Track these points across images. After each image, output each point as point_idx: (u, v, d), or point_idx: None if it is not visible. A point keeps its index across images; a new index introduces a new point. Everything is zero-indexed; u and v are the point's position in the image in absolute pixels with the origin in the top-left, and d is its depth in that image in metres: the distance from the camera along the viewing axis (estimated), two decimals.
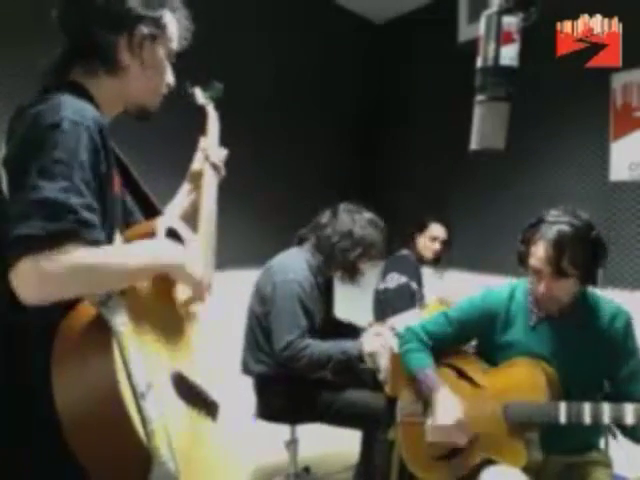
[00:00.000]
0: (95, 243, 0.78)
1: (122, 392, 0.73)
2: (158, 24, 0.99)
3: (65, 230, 0.74)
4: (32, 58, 0.99)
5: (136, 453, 0.72)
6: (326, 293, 2.27)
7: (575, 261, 1.38)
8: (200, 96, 1.39)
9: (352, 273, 2.17)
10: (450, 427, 1.51)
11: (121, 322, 0.77)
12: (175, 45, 1.06)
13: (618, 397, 1.44)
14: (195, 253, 0.99)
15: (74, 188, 0.77)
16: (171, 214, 1.26)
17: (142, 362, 0.76)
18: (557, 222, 1.42)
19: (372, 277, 3.11)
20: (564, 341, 1.51)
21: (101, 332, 0.76)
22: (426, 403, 1.65)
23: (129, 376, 0.74)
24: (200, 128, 1.37)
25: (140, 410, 0.73)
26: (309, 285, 2.07)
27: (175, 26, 1.04)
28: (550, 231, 1.41)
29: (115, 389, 0.73)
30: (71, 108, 0.83)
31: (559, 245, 1.38)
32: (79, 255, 0.75)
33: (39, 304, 0.75)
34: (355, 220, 2.13)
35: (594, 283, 1.44)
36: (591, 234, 1.41)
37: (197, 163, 1.34)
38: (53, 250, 0.73)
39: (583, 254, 1.39)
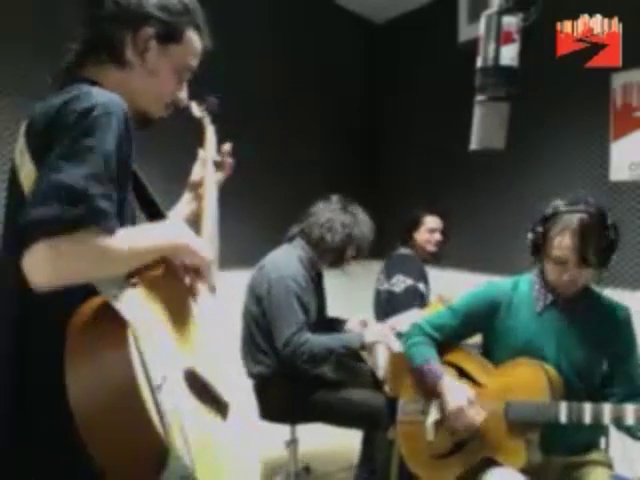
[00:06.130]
0: (110, 232, 0.79)
1: (139, 384, 0.71)
2: (173, 33, 1.00)
3: (81, 216, 0.75)
4: (32, 58, 1.00)
5: (152, 447, 0.71)
6: (318, 289, 2.28)
7: (598, 249, 1.42)
8: (196, 109, 1.39)
9: (340, 260, 2.18)
10: (465, 407, 1.52)
11: (135, 315, 0.76)
12: (195, 62, 1.07)
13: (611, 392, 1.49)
14: (203, 240, 1.01)
15: (96, 176, 0.78)
16: (176, 216, 1.27)
17: (157, 356, 0.75)
18: (575, 211, 1.45)
19: (366, 276, 3.12)
20: (568, 327, 1.53)
21: (116, 324, 0.75)
22: (427, 402, 1.65)
23: (145, 368, 0.73)
24: (199, 141, 1.38)
25: (157, 403, 0.72)
26: (304, 279, 2.08)
27: (198, 44, 1.06)
28: (572, 221, 1.44)
29: (132, 381, 0.71)
30: (102, 96, 0.85)
31: (584, 235, 1.42)
32: (93, 241, 0.76)
33: (48, 288, 0.75)
34: (337, 209, 2.16)
35: (605, 267, 1.48)
36: (607, 221, 1.45)
37: (196, 174, 1.35)
38: (68, 235, 0.74)
39: (604, 242, 1.43)
